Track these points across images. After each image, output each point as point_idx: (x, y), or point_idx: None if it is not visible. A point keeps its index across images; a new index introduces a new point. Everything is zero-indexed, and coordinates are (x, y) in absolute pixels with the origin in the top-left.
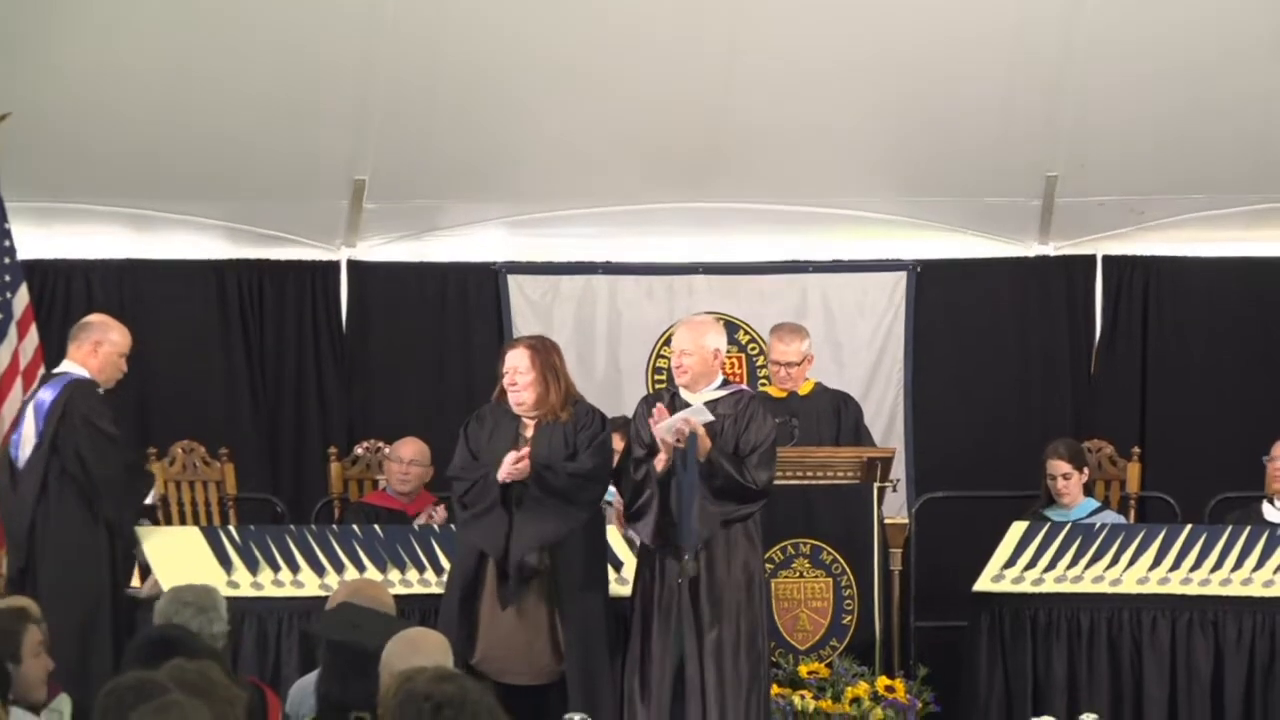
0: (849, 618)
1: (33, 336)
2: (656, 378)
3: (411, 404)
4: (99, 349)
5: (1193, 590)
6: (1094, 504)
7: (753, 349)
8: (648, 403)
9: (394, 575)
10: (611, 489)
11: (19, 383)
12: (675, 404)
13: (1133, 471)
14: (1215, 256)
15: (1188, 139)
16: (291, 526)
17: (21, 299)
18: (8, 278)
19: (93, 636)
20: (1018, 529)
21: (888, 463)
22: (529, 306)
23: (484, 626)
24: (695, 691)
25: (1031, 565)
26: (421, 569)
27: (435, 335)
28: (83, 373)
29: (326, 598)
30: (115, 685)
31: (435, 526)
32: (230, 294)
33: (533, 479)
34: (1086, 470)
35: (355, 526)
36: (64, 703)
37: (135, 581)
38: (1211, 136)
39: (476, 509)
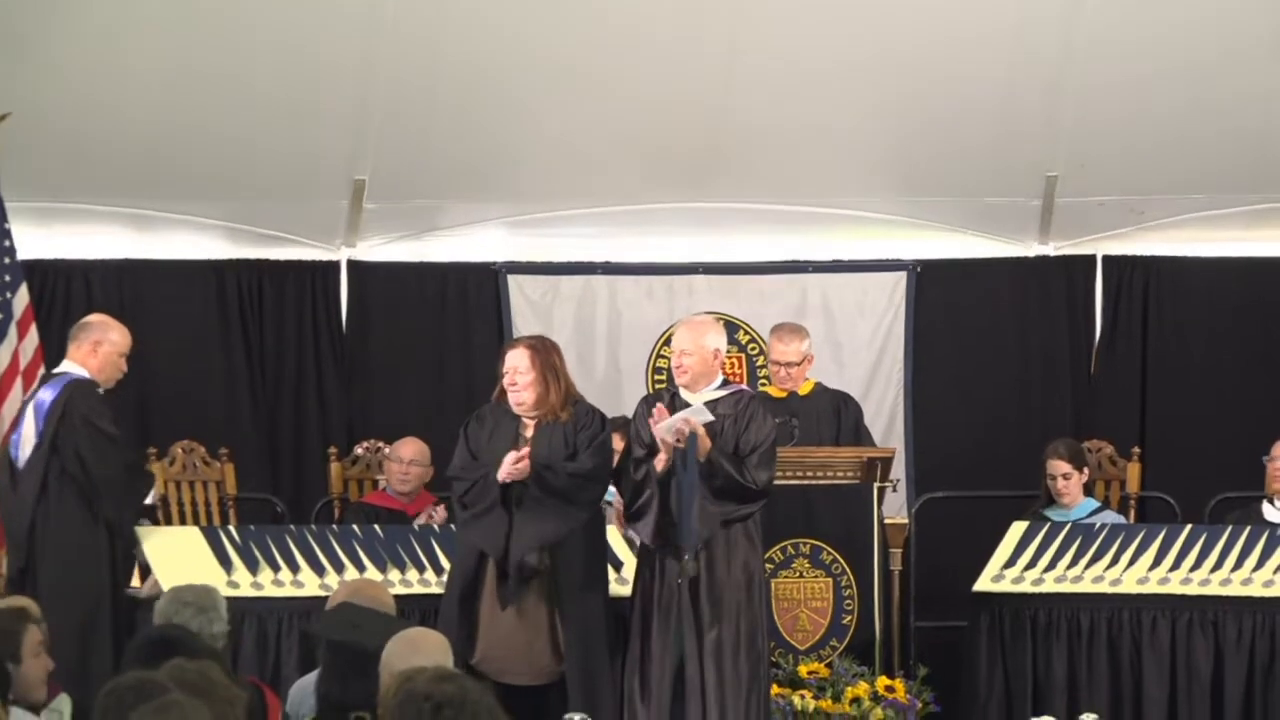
0: (849, 618)
1: (33, 336)
2: (656, 378)
3: (411, 404)
4: (99, 349)
5: (1193, 590)
6: (1094, 504)
7: (753, 349)
8: (648, 403)
9: (394, 575)
10: (611, 489)
11: (19, 383)
12: (675, 404)
13: (1133, 471)
14: (1215, 256)
15: (1188, 139)
16: (291, 526)
17: (21, 299)
18: (8, 278)
19: (93, 636)
20: (1018, 529)
21: (888, 463)
22: (529, 306)
23: (484, 626)
24: (695, 691)
25: (1031, 565)
26: (421, 569)
27: (435, 335)
28: (82, 373)
29: (326, 598)
30: (115, 685)
31: (435, 526)
32: (230, 294)
33: (533, 479)
34: (1086, 470)
35: (355, 526)
36: (64, 703)
37: (135, 581)
38: (1211, 136)
39: (476, 509)
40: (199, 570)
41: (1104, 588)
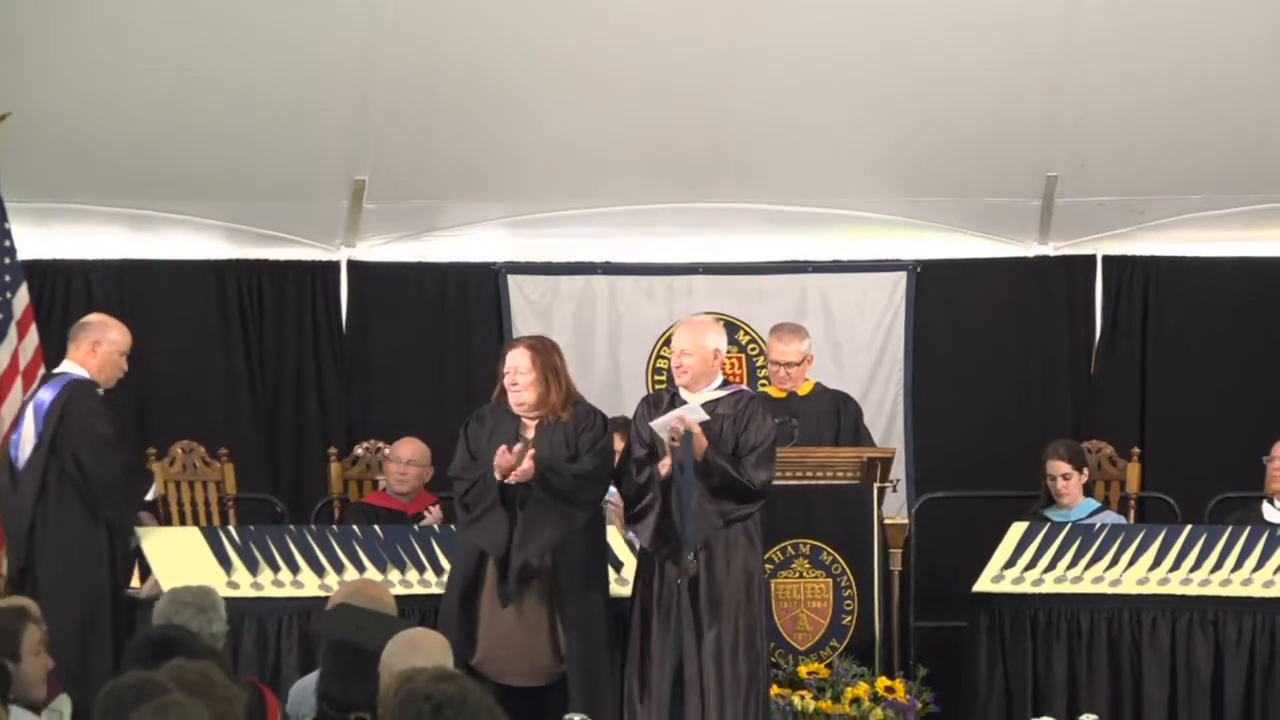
0: (849, 618)
1: (33, 336)
2: (656, 378)
3: (411, 404)
4: (98, 349)
5: (1193, 590)
6: (1094, 504)
7: (753, 349)
8: (648, 403)
9: (394, 575)
10: (612, 489)
11: (19, 383)
12: (675, 404)
13: (1133, 472)
14: (1215, 256)
15: (1188, 139)
16: (291, 527)
17: (21, 299)
18: (8, 278)
19: (93, 636)
20: (1018, 529)
21: (888, 463)
22: (529, 306)
23: (484, 627)
24: (695, 692)
25: (1031, 566)
26: (421, 569)
27: (435, 335)
28: (82, 373)
29: (326, 598)
30: (115, 685)
31: (435, 526)
32: (230, 294)
33: (536, 480)
34: (1086, 470)
35: (355, 527)
36: (64, 702)
37: (135, 581)
38: (1211, 136)
39: (477, 509)
40: (199, 570)
41: (1104, 588)
